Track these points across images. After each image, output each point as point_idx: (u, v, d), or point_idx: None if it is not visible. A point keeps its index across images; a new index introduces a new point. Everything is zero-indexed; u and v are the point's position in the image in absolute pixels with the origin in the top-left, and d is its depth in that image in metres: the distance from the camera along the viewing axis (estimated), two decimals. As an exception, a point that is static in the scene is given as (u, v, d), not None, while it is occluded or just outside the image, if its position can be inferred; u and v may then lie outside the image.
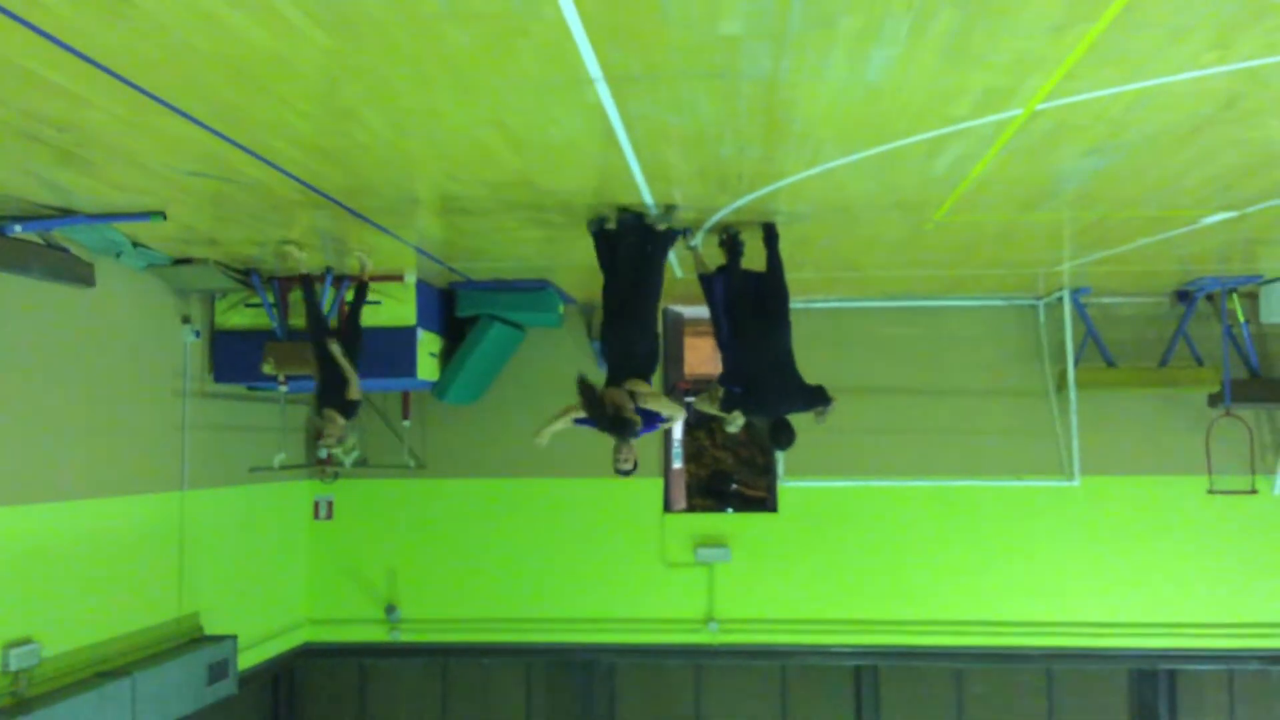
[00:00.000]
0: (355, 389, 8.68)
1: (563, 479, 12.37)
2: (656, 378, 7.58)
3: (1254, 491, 11.50)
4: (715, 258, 7.94)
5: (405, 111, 5.23)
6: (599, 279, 7.37)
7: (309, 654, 12.58)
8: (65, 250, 7.79)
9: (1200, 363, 11.63)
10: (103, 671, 8.47)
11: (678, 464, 13.53)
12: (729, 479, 15.60)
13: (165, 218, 7.24)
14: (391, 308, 10.24)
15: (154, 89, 4.82)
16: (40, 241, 7.55)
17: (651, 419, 6.85)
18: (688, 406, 11.03)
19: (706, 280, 7.72)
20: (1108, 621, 12.02)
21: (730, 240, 7.83)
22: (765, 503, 13.25)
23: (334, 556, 12.70)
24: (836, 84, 4.86)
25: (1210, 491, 11.51)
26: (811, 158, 6.12)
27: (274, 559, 12.00)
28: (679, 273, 9.72)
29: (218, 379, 10.31)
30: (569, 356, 12.17)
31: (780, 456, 12.04)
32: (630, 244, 7.24)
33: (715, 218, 7.56)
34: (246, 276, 9.63)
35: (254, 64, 4.54)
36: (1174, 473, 11.98)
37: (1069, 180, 6.65)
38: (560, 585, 12.46)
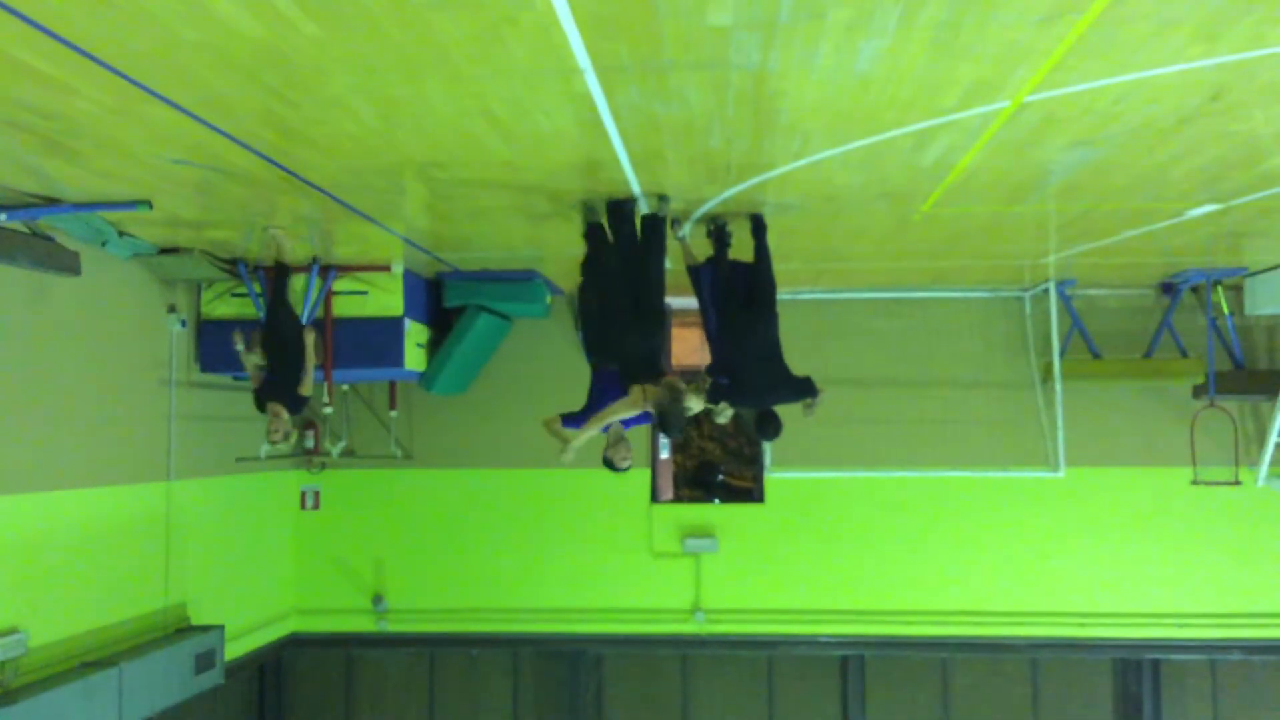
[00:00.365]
0: (309, 384, 8.50)
1: (550, 470, 12.35)
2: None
3: (1237, 483, 11.55)
4: (703, 249, 7.95)
5: (394, 101, 5.22)
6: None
7: (296, 644, 12.58)
8: (51, 239, 7.76)
9: (1185, 354, 11.70)
10: (89, 661, 8.46)
11: (665, 455, 13.55)
12: (716, 470, 15.63)
13: (152, 207, 7.21)
14: (378, 298, 10.24)
15: (142, 78, 4.81)
16: (26, 230, 7.52)
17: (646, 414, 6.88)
18: None
19: (694, 271, 7.73)
20: (1092, 612, 12.09)
21: (718, 231, 7.83)
22: (752, 493, 13.28)
23: (321, 547, 12.69)
24: (825, 75, 4.87)
25: (1194, 483, 11.56)
26: (800, 149, 6.13)
27: (261, 549, 11.99)
28: (667, 264, 9.71)
29: (204, 369, 10.29)
30: (556, 347, 12.19)
31: (767, 447, 12.06)
32: (626, 237, 7.21)
33: (703, 208, 7.56)
34: (233, 266, 9.60)
35: (242, 53, 4.53)
36: (1158, 464, 12.05)
37: (1056, 172, 6.67)
38: (547, 575, 12.48)
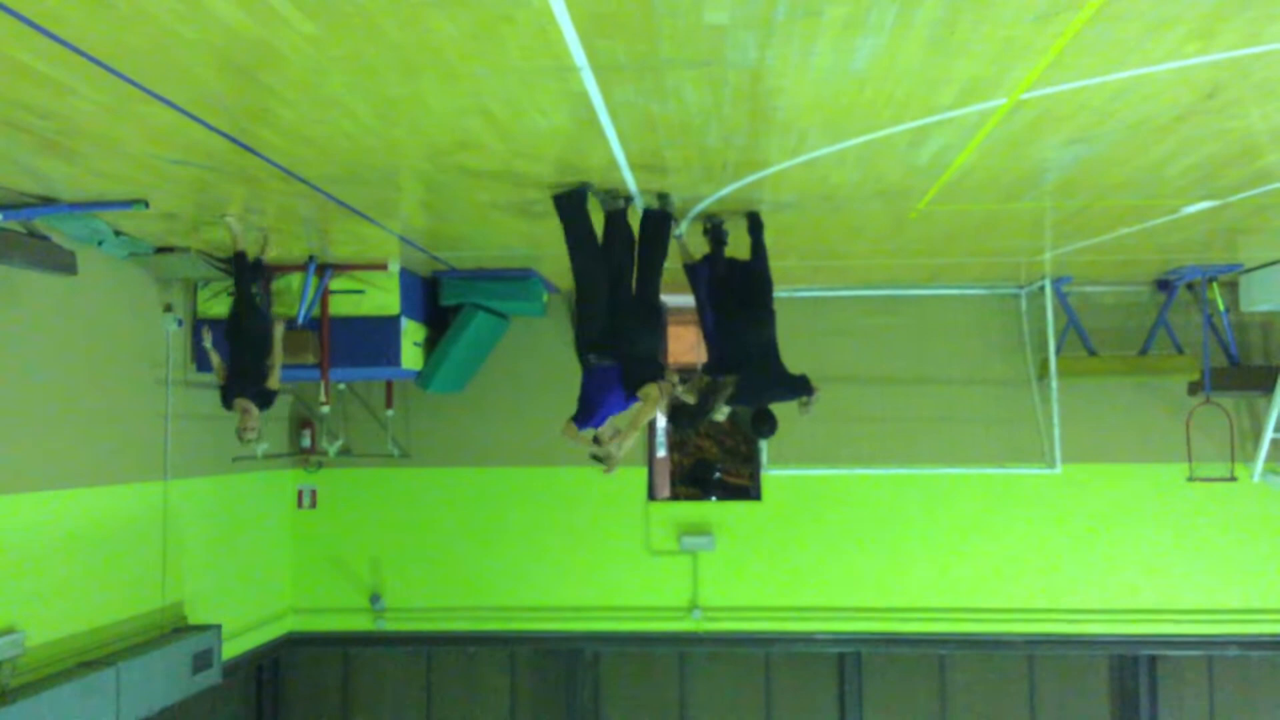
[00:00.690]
0: (277, 379, 8.34)
1: (547, 468, 12.38)
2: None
3: (1233, 479, 11.57)
4: (700, 247, 7.96)
5: (391, 100, 5.23)
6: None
7: (293, 643, 12.57)
8: (47, 239, 7.75)
9: (1180, 351, 11.72)
10: (87, 661, 8.46)
11: (662, 452, 13.56)
12: (713, 467, 15.64)
13: (148, 206, 7.21)
14: (375, 297, 10.24)
15: (139, 77, 4.81)
16: (22, 230, 7.52)
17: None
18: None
19: (691, 269, 7.73)
20: (1089, 608, 12.12)
21: (714, 230, 7.83)
22: (749, 491, 13.28)
23: (318, 546, 12.69)
24: (822, 73, 4.87)
25: (1190, 479, 11.59)
26: (796, 147, 6.13)
27: (258, 548, 11.98)
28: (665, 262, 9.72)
29: (200, 368, 10.27)
30: (553, 346, 12.18)
31: (764, 445, 12.06)
32: (628, 233, 7.17)
33: (700, 206, 7.57)
34: (229, 265, 9.58)
35: (240, 52, 4.53)
36: (1154, 460, 12.07)
37: (1052, 170, 6.68)
38: (545, 573, 12.48)
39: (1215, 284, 11.41)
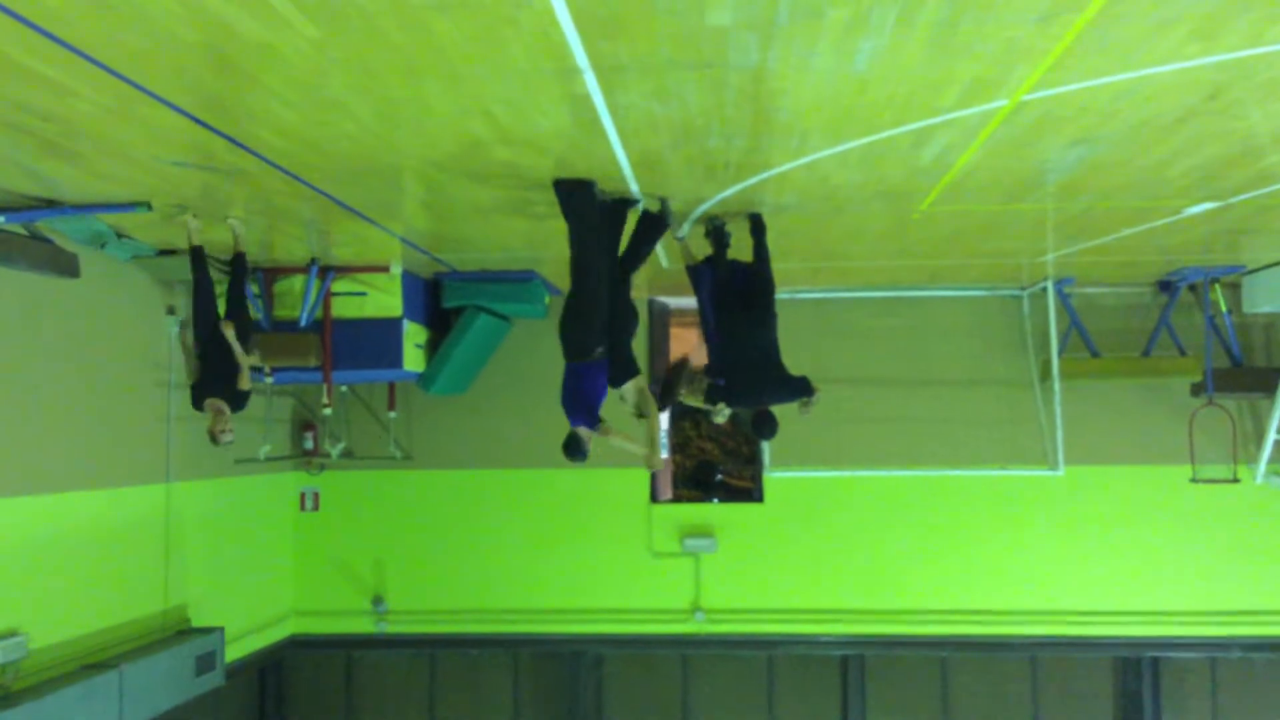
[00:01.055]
0: (246, 378, 7.92)
1: (549, 470, 12.36)
2: (644, 370, 7.59)
3: (1236, 480, 11.56)
4: (702, 249, 7.95)
5: (393, 102, 5.23)
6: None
7: (296, 645, 12.57)
8: (49, 241, 7.75)
9: (1183, 353, 11.71)
10: (90, 664, 8.46)
11: (664, 454, 13.55)
12: (715, 469, 15.62)
13: (151, 208, 7.21)
14: (377, 299, 10.24)
15: (140, 79, 4.81)
16: (24, 233, 7.52)
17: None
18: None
19: (693, 270, 7.73)
20: (1092, 610, 12.10)
21: (716, 231, 7.84)
22: (751, 493, 13.27)
23: (321, 548, 12.68)
24: (823, 75, 4.87)
25: (1193, 480, 11.57)
26: (798, 148, 6.13)
27: (261, 551, 11.98)
28: (665, 264, 9.73)
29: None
30: (555, 347, 12.11)
31: (766, 447, 12.07)
32: (616, 230, 7.19)
33: (702, 208, 7.57)
34: (231, 267, 9.58)
35: (241, 55, 4.53)
36: (1157, 462, 12.05)
37: (1054, 171, 6.68)
38: (547, 576, 12.47)
39: (1218, 285, 11.39)
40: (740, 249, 7.82)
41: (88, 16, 4.10)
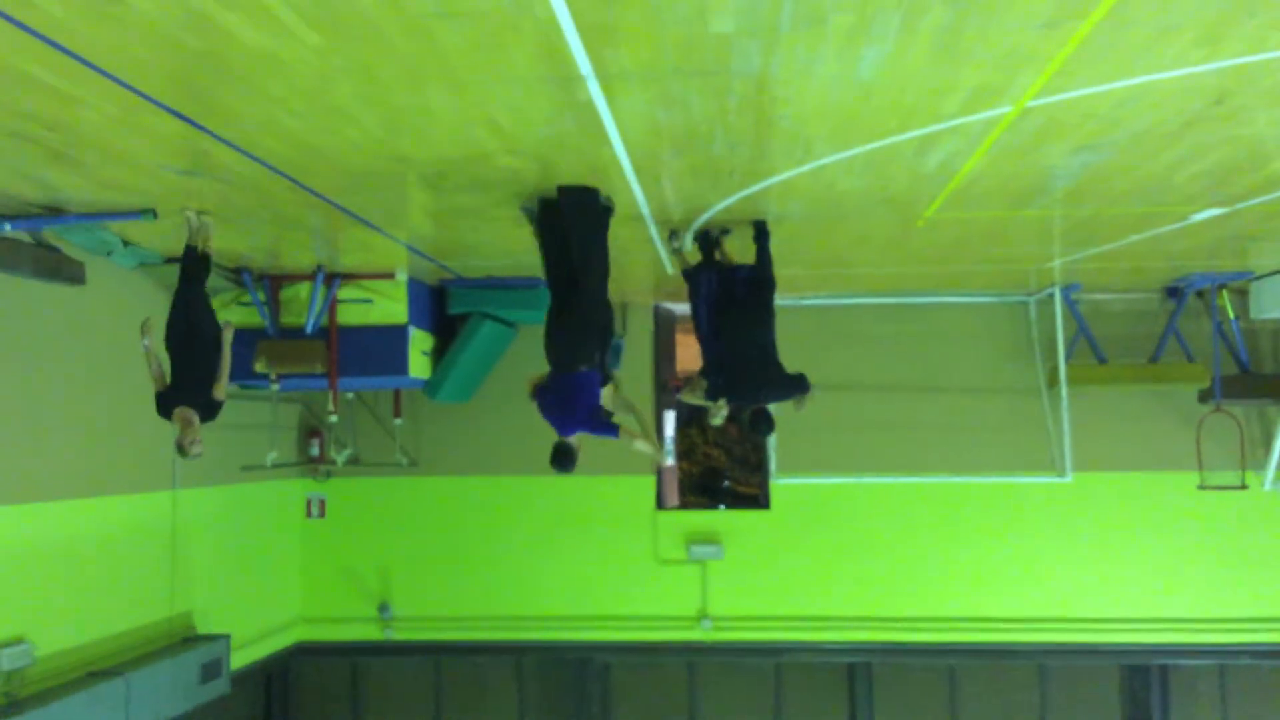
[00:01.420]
0: (224, 388, 7.30)
1: (555, 477, 12.30)
2: (650, 376, 7.60)
3: (1244, 487, 11.51)
4: (694, 255, 8.01)
5: (397, 110, 5.23)
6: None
7: (302, 653, 12.57)
8: (56, 249, 7.77)
9: (1191, 359, 11.68)
10: (95, 671, 8.47)
11: (670, 461, 13.54)
12: (721, 476, 15.59)
13: (156, 216, 7.21)
14: (383, 305, 10.24)
15: (145, 88, 4.82)
16: (31, 241, 7.54)
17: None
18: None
19: (689, 274, 7.75)
20: (1100, 617, 12.06)
21: (704, 237, 7.91)
22: (758, 500, 13.25)
23: (327, 555, 12.70)
24: (827, 81, 4.87)
25: (1201, 487, 11.53)
26: (802, 155, 6.13)
27: (267, 558, 11.99)
28: (669, 269, 9.73)
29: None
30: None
31: (772, 453, 12.05)
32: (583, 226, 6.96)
33: (706, 215, 7.57)
34: (237, 275, 9.62)
35: (246, 63, 4.53)
36: (1165, 468, 12.02)
37: (1059, 177, 6.66)
38: (553, 583, 12.47)
39: (1225, 291, 11.36)
40: (743, 254, 7.84)
41: (92, 26, 4.10)
